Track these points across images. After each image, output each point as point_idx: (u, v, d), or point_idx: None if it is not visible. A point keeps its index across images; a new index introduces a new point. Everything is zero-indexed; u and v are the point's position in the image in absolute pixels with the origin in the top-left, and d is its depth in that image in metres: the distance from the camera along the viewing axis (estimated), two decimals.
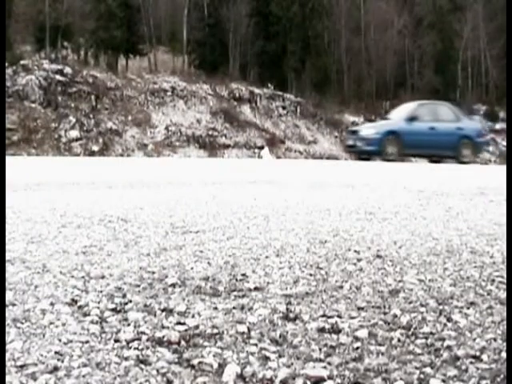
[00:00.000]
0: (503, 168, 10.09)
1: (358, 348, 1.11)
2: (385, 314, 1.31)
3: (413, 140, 13.72)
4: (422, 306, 1.38)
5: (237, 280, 1.57)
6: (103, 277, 1.56)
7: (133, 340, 1.10)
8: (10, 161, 8.02)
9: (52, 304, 1.30)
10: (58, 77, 25.10)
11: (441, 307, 1.37)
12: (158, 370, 0.98)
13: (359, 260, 1.85)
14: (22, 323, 1.17)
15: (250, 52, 33.49)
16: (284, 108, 29.33)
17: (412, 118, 14.25)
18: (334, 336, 1.17)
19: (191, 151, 24.63)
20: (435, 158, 14.45)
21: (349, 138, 16.17)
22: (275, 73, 33.11)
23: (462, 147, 14.34)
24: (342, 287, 1.53)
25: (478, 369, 1.02)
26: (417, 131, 13.96)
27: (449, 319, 1.28)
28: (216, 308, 1.32)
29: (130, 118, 25.67)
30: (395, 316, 1.30)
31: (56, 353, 1.02)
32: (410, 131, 13.87)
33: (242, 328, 1.19)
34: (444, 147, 14.23)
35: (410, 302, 1.40)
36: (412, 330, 1.21)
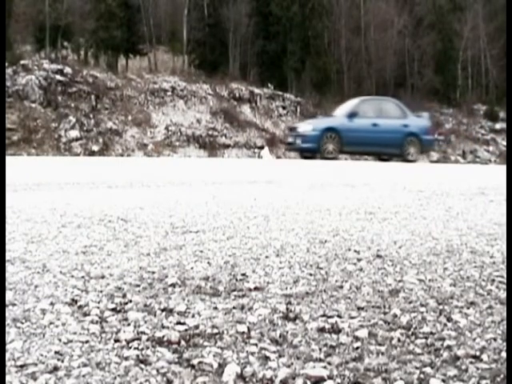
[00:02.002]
0: (503, 168, 10.09)
1: (357, 348, 1.11)
2: (385, 313, 1.31)
3: (353, 137, 13.17)
4: (422, 305, 1.38)
5: (237, 280, 1.57)
6: (103, 277, 1.56)
7: (133, 340, 1.10)
8: (10, 161, 8.02)
9: (52, 304, 1.30)
10: (58, 77, 25.10)
11: (441, 307, 1.37)
12: (158, 370, 0.98)
13: (359, 260, 1.85)
14: (22, 323, 1.17)
15: (250, 52, 33.49)
16: (284, 108, 29.33)
17: (353, 114, 13.65)
18: (334, 336, 1.17)
19: (191, 151, 24.64)
20: (384, 157, 13.98)
21: (289, 135, 15.57)
22: (275, 73, 33.10)
23: (407, 145, 13.75)
24: (341, 287, 1.53)
25: (477, 369, 1.02)
26: (358, 128, 13.35)
27: (449, 319, 1.28)
28: (216, 308, 1.32)
29: (129, 117, 25.67)
30: (395, 316, 1.30)
31: (56, 353, 1.02)
32: (350, 128, 13.30)
33: (242, 328, 1.19)
34: (388, 145, 13.67)
35: (410, 302, 1.40)
36: (412, 329, 1.21)
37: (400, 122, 13.86)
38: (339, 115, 14.15)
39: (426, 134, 14.14)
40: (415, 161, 13.59)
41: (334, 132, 13.20)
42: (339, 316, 1.29)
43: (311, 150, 13.32)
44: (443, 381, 0.97)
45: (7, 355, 1.00)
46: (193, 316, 1.26)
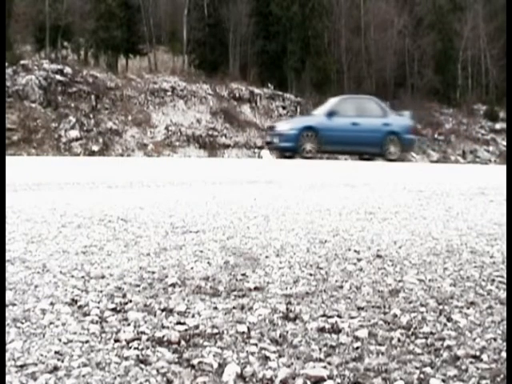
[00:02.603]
0: (503, 168, 10.09)
1: (357, 348, 1.11)
2: (385, 313, 1.31)
3: (332, 136, 12.93)
4: (422, 305, 1.38)
5: (237, 280, 1.57)
6: (103, 277, 1.56)
7: (133, 340, 1.11)
8: (10, 161, 8.02)
9: (52, 304, 1.30)
10: (58, 77, 25.11)
11: (441, 307, 1.37)
12: (157, 370, 0.98)
13: (359, 260, 1.85)
14: (22, 323, 1.17)
15: (250, 52, 33.50)
16: (284, 108, 29.34)
17: (332, 113, 13.39)
18: (334, 336, 1.17)
19: (191, 151, 24.64)
20: (365, 156, 13.76)
21: (268, 134, 15.36)
22: (275, 73, 33.11)
23: (388, 144, 13.45)
24: (341, 287, 1.53)
25: (477, 369, 1.02)
26: (337, 127, 13.10)
27: (449, 319, 1.28)
28: (216, 308, 1.32)
29: (129, 117, 25.67)
30: (395, 316, 1.30)
31: (56, 353, 1.02)
32: (329, 127, 13.05)
33: (242, 328, 1.19)
34: (368, 144, 13.38)
35: (410, 302, 1.40)
36: (412, 329, 1.21)
37: (380, 121, 13.64)
38: (318, 114, 14.00)
39: (407, 133, 13.92)
40: (396, 160, 13.33)
41: (312, 131, 13.00)
42: (339, 316, 1.29)
43: (289, 149, 13.14)
44: (443, 381, 0.97)
45: (7, 355, 1.00)
46: (193, 316, 1.26)
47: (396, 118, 14.11)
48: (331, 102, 14.47)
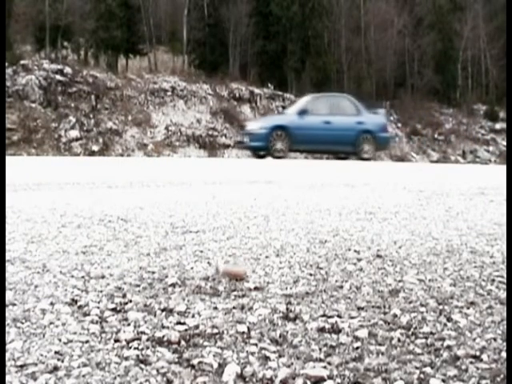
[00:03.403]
0: (503, 168, 10.09)
1: (357, 348, 1.11)
2: (385, 313, 1.31)
3: (304, 135, 12.64)
4: (422, 305, 1.38)
5: (237, 280, 1.57)
6: (103, 277, 1.56)
7: (133, 340, 1.11)
8: (10, 161, 8.02)
9: (52, 304, 1.30)
10: (58, 77, 25.10)
11: (441, 307, 1.37)
12: (157, 370, 0.98)
13: (359, 260, 1.85)
14: (22, 323, 1.17)
15: (250, 52, 33.49)
16: (284, 108, 29.34)
17: (303, 112, 13.16)
18: (334, 336, 1.17)
19: (191, 151, 24.64)
20: (341, 155, 13.56)
21: (239, 133, 15.16)
22: (275, 73, 33.11)
23: (362, 142, 13.16)
24: (341, 287, 1.53)
25: (477, 369, 1.02)
26: (308, 126, 12.84)
27: (449, 319, 1.28)
28: (216, 308, 1.32)
29: (129, 117, 25.67)
30: (395, 316, 1.30)
31: (56, 353, 1.02)
32: (300, 126, 12.78)
33: (242, 328, 1.19)
34: (341, 142, 13.10)
35: (410, 302, 1.40)
36: (412, 329, 1.21)
37: (354, 119, 13.41)
38: (290, 113, 13.81)
39: (381, 132, 13.65)
40: (370, 159, 13.09)
41: (282, 130, 12.78)
42: (339, 316, 1.29)
43: (260, 149, 13.00)
44: (443, 381, 0.97)
45: (7, 355, 1.00)
46: (193, 316, 1.26)
47: (370, 116, 13.85)
48: (303, 101, 14.30)
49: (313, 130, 12.84)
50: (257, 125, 13.57)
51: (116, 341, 1.10)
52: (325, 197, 3.89)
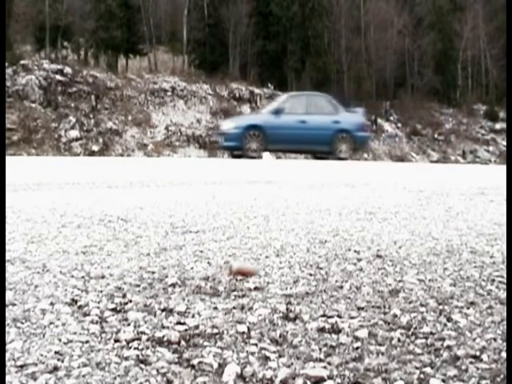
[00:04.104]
0: (503, 168, 10.09)
1: (357, 348, 1.11)
2: (385, 313, 1.31)
3: (278, 134, 12.42)
4: (422, 305, 1.38)
5: (237, 280, 1.57)
6: (103, 277, 1.56)
7: (133, 340, 1.11)
8: (10, 161, 8.02)
9: (52, 304, 1.30)
10: (58, 77, 25.11)
11: (441, 307, 1.37)
12: (157, 370, 0.98)
13: (359, 260, 1.85)
14: (22, 323, 1.17)
15: (250, 52, 33.49)
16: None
17: (278, 111, 12.93)
18: (334, 336, 1.17)
19: (191, 151, 24.64)
20: (319, 155, 13.33)
21: (214, 133, 14.97)
22: (275, 73, 33.11)
23: (338, 142, 12.91)
24: (342, 287, 1.53)
25: (477, 369, 1.02)
26: (283, 125, 12.61)
27: (449, 319, 1.28)
28: (216, 308, 1.32)
29: (129, 117, 25.67)
30: (395, 316, 1.30)
31: (56, 353, 1.02)
32: (275, 125, 12.55)
33: (242, 328, 1.19)
34: (317, 142, 12.84)
35: (410, 302, 1.40)
36: (412, 329, 1.21)
37: (330, 119, 13.16)
38: (264, 112, 13.64)
39: (359, 131, 13.34)
40: (347, 158, 12.87)
41: (257, 130, 12.58)
42: (339, 316, 1.29)
43: (234, 148, 12.85)
44: (443, 381, 0.97)
45: (7, 355, 1.00)
46: (193, 316, 1.26)
47: (347, 115, 13.59)
48: (278, 100, 14.11)
49: (288, 130, 12.65)
50: (231, 124, 13.34)
51: (116, 341, 1.10)
52: (325, 197, 3.89)
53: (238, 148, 12.58)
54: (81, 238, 2.11)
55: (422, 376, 0.98)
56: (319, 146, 13.01)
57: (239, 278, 1.61)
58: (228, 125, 13.48)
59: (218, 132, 13.78)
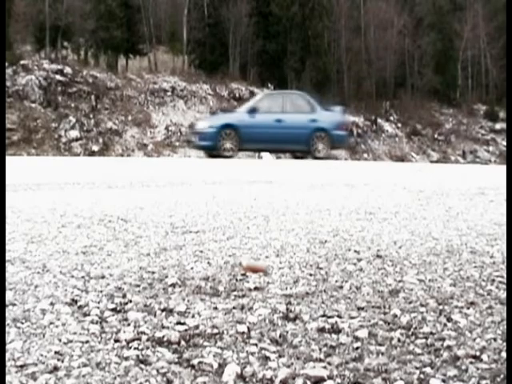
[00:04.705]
0: (503, 168, 10.09)
1: (357, 348, 1.11)
2: (385, 313, 1.31)
3: (253, 134, 12.21)
4: (422, 305, 1.38)
5: (237, 280, 1.57)
6: (103, 277, 1.56)
7: (133, 340, 1.10)
8: (10, 161, 8.02)
9: (52, 304, 1.30)
10: (58, 77, 25.11)
11: (441, 307, 1.37)
12: (157, 370, 0.98)
13: (359, 260, 1.85)
14: (22, 323, 1.17)
15: (250, 52, 33.51)
16: None
17: (254, 110, 12.70)
18: (334, 336, 1.17)
19: (191, 151, 24.66)
20: (298, 154, 13.10)
21: (189, 132, 14.76)
22: (275, 73, 33.13)
23: (315, 141, 12.63)
24: (341, 287, 1.53)
25: (478, 369, 1.02)
26: (259, 124, 12.39)
27: (449, 319, 1.28)
28: (216, 308, 1.32)
29: (129, 117, 25.67)
30: (395, 316, 1.30)
31: (56, 353, 1.02)
32: (250, 124, 12.32)
33: (242, 328, 1.19)
34: (293, 141, 12.62)
35: (410, 302, 1.40)
36: (412, 330, 1.21)
37: (307, 117, 12.94)
38: (240, 111, 13.47)
39: (336, 129, 13.09)
40: (325, 158, 12.64)
41: (231, 129, 12.37)
42: (339, 316, 1.29)
43: (208, 148, 12.65)
44: (443, 381, 0.97)
45: (7, 355, 1.00)
46: (193, 316, 1.26)
47: (325, 113, 13.34)
48: (254, 99, 13.98)
49: (263, 129, 12.48)
50: (205, 124, 13.20)
51: (116, 341, 1.10)
52: (325, 197, 3.89)
53: (212, 147, 12.41)
54: (81, 237, 2.11)
55: (421, 376, 0.98)
56: (296, 145, 12.86)
57: (251, 274, 1.61)
58: (203, 124, 13.35)
59: (193, 131, 13.55)
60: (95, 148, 23.53)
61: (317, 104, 13.57)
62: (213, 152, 12.47)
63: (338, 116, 13.69)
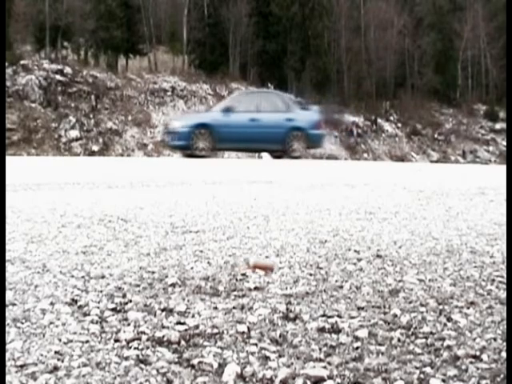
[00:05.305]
0: (503, 168, 10.09)
1: (357, 348, 1.11)
2: (385, 313, 1.31)
3: (228, 133, 12.05)
4: (422, 305, 1.38)
5: (237, 280, 1.57)
6: (103, 277, 1.56)
7: (133, 340, 1.10)
8: (10, 161, 8.02)
9: (52, 304, 1.30)
10: (58, 77, 25.11)
11: (441, 307, 1.37)
12: (157, 370, 0.98)
13: (359, 260, 1.85)
14: (22, 323, 1.17)
15: (250, 52, 33.51)
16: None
17: (228, 109, 12.54)
18: (334, 336, 1.17)
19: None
20: (277, 154, 12.92)
21: (163, 131, 14.63)
22: (275, 73, 33.13)
23: (291, 140, 12.45)
24: (341, 287, 1.53)
25: (477, 369, 1.02)
26: (234, 123, 12.23)
27: (449, 319, 1.28)
28: (216, 308, 1.32)
29: (129, 117, 25.68)
30: (395, 316, 1.30)
31: (56, 352, 1.02)
32: (224, 123, 12.17)
33: (242, 328, 1.19)
34: (268, 140, 12.46)
35: (410, 302, 1.40)
36: (412, 329, 1.21)
37: (283, 116, 12.66)
38: (214, 110, 13.33)
39: (313, 129, 12.83)
40: (301, 157, 12.51)
41: (205, 128, 12.23)
42: (339, 316, 1.29)
43: (182, 148, 12.59)
44: (443, 381, 0.97)
45: (7, 355, 1.00)
46: (193, 316, 1.26)
47: (301, 112, 13.14)
48: (229, 98, 13.88)
49: (238, 128, 12.31)
50: (179, 123, 13.04)
51: (116, 341, 1.10)
52: (325, 197, 3.89)
53: (185, 147, 12.32)
54: (81, 237, 2.11)
55: (421, 376, 0.98)
56: (271, 144, 12.71)
57: (260, 272, 1.62)
58: (176, 123, 13.21)
59: (166, 131, 13.44)
60: (95, 148, 23.53)
61: (293, 103, 13.48)
62: (187, 152, 12.36)
63: (314, 115, 13.53)
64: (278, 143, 12.49)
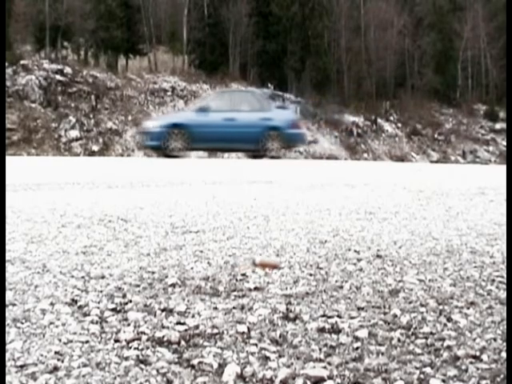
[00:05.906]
0: (503, 168, 10.09)
1: (357, 348, 1.11)
2: (385, 314, 1.31)
3: (203, 133, 12.01)
4: (422, 305, 1.38)
5: (237, 280, 1.57)
6: (103, 277, 1.56)
7: (133, 340, 1.10)
8: (10, 161, 8.02)
9: (52, 304, 1.30)
10: (58, 77, 25.11)
11: (441, 307, 1.37)
12: (157, 370, 0.98)
13: (359, 260, 1.85)
14: (22, 323, 1.17)
15: (250, 52, 33.52)
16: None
17: (203, 109, 12.52)
18: (334, 336, 1.17)
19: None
20: (257, 154, 12.71)
21: (138, 132, 14.62)
22: (275, 73, 33.13)
23: (267, 140, 12.35)
24: (342, 287, 1.53)
25: (477, 369, 1.02)
26: (208, 123, 12.21)
27: (449, 319, 1.28)
28: (216, 308, 1.32)
29: (129, 117, 25.67)
30: (395, 316, 1.30)
31: (56, 353, 1.02)
32: (199, 123, 12.14)
33: (242, 328, 1.19)
34: (243, 140, 12.35)
35: (410, 302, 1.40)
36: (412, 330, 1.21)
37: (259, 116, 12.56)
38: (188, 110, 13.41)
39: (290, 128, 12.69)
40: (278, 157, 12.40)
41: (180, 128, 12.10)
42: (339, 316, 1.29)
43: (157, 148, 12.48)
44: (443, 381, 0.97)
45: (7, 355, 1.00)
46: (193, 316, 1.26)
47: (278, 112, 13.04)
48: (204, 97, 13.92)
49: (213, 128, 12.25)
50: (153, 123, 13.09)
51: (116, 341, 1.10)
52: (325, 197, 3.89)
53: (160, 147, 12.25)
54: (81, 237, 2.11)
55: (421, 376, 0.98)
56: (247, 144, 12.59)
57: (267, 270, 1.63)
58: (151, 123, 13.23)
59: (141, 131, 13.42)
60: (95, 148, 23.54)
61: (270, 102, 13.40)
62: (162, 152, 12.30)
63: (291, 114, 13.48)
64: (254, 143, 12.38)
